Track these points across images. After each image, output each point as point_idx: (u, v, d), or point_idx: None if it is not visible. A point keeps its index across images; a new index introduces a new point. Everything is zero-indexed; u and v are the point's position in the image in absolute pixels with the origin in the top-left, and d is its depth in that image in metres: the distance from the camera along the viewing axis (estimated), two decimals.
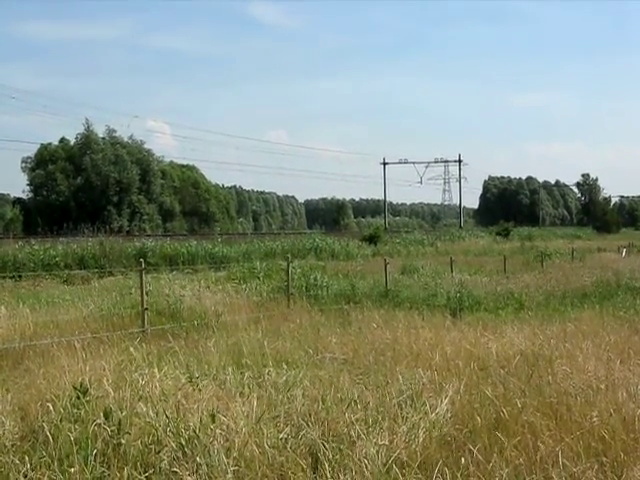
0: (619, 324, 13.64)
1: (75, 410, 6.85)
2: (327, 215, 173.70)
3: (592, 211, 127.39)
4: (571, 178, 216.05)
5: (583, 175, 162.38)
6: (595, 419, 6.76)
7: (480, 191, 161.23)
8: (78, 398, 6.97)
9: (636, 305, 17.24)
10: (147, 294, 15.11)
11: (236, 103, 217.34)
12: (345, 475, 5.92)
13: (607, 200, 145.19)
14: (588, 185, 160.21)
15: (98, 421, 6.47)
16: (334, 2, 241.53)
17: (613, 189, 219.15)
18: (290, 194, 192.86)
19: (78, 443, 6.23)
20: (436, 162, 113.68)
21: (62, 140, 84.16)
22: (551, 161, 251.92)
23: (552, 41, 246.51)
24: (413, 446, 6.38)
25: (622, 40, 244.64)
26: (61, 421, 6.67)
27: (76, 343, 11.41)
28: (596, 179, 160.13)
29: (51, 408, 7.03)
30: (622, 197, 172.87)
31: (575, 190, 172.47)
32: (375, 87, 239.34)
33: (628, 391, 7.67)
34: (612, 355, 9.68)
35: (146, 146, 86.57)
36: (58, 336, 12.49)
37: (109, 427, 6.37)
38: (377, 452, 6.16)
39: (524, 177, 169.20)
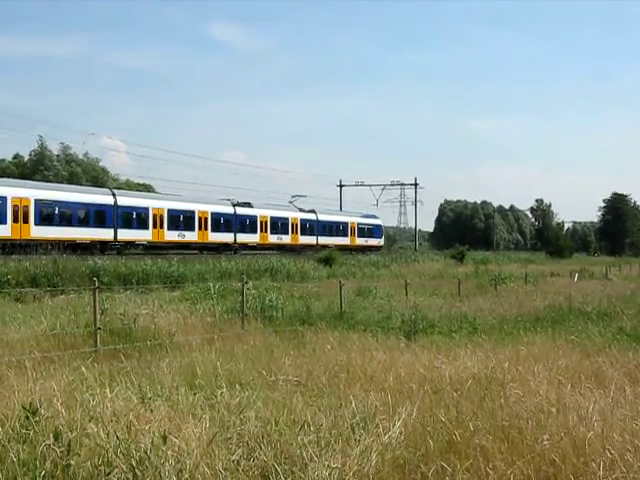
0: (570, 348, 13.78)
1: (24, 431, 6.74)
2: None
3: (545, 236, 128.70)
4: (525, 203, 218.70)
5: (537, 200, 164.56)
6: (546, 442, 6.79)
7: (436, 214, 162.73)
8: (27, 418, 6.87)
9: (587, 329, 17.43)
10: (102, 313, 14.96)
11: (193, 123, 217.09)
12: None
13: (560, 225, 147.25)
14: (542, 210, 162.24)
15: (47, 442, 6.36)
16: (293, 25, 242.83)
17: (566, 215, 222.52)
18: None
19: (26, 464, 6.13)
20: (392, 185, 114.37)
21: (16, 156, 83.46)
22: (506, 186, 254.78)
23: (505, 67, 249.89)
24: (366, 469, 6.37)
25: (573, 68, 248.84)
26: (9, 442, 6.55)
27: (26, 362, 11.25)
28: (549, 205, 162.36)
29: None
30: (575, 223, 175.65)
31: (529, 215, 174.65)
32: (332, 109, 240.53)
33: (579, 415, 7.73)
34: (563, 379, 9.76)
35: (101, 164, 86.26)
36: (8, 355, 12.30)
37: (58, 448, 6.27)
38: (329, 475, 6.14)
39: (479, 201, 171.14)
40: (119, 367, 11.07)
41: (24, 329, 15.69)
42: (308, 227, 77.49)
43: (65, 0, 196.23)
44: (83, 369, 10.22)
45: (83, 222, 51.96)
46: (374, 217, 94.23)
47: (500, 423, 7.47)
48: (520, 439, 7.02)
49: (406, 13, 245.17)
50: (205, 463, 6.22)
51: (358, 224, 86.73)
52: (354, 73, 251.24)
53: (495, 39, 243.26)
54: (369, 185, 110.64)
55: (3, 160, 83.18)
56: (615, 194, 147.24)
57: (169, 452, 6.33)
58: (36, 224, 47.63)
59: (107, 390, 8.53)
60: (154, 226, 57.18)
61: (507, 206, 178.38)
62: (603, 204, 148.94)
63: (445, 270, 54.63)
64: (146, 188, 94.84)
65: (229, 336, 15.61)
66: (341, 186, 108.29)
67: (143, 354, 12.86)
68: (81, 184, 77.53)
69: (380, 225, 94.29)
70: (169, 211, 59.12)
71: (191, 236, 61.47)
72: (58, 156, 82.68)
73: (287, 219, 75.13)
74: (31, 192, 48.29)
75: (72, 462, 6.17)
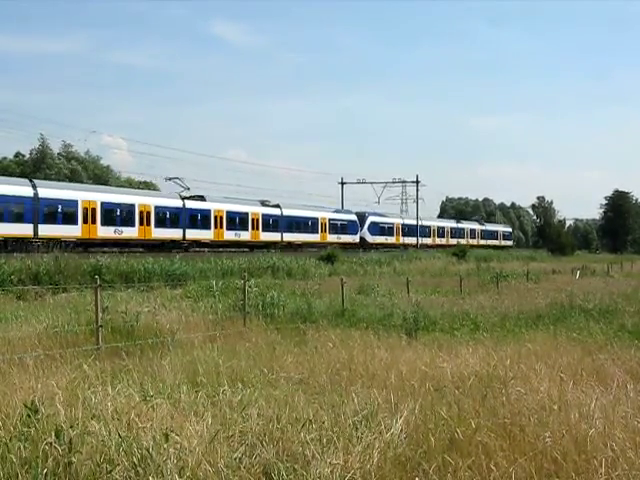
0: (572, 345, 13.78)
1: (25, 429, 6.73)
2: None
3: (547, 233, 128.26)
4: (527, 200, 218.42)
5: (538, 198, 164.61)
6: (548, 440, 6.79)
7: (437, 212, 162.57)
8: (29, 416, 6.87)
9: (589, 327, 17.43)
10: (104, 311, 14.97)
11: (195, 120, 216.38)
12: None
13: (562, 223, 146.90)
14: (543, 207, 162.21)
15: (49, 440, 6.36)
16: (295, 22, 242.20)
17: (568, 212, 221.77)
18: None
19: (28, 462, 6.14)
20: (394, 182, 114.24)
21: (17, 155, 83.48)
22: (507, 183, 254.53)
23: (506, 65, 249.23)
24: (368, 466, 6.37)
25: (574, 65, 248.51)
26: (11, 440, 6.55)
27: (28, 360, 11.26)
28: (551, 202, 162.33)
29: (0, 426, 6.92)
30: (577, 220, 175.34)
31: (530, 212, 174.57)
32: (334, 107, 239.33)
33: (580, 412, 7.73)
34: (565, 376, 9.75)
35: (103, 162, 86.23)
36: (10, 353, 12.30)
37: (60, 446, 6.27)
38: (331, 472, 6.14)
39: (481, 199, 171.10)
40: (121, 365, 11.09)
41: (26, 327, 15.69)
42: (479, 234, 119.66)
43: None
44: (85, 367, 10.22)
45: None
46: (508, 227, 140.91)
47: (502, 420, 7.48)
48: (522, 436, 7.03)
49: (407, 11, 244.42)
50: (207, 461, 6.22)
51: (503, 232, 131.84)
52: (355, 71, 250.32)
53: (496, 37, 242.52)
54: (371, 183, 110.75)
55: (5, 158, 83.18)
56: (617, 191, 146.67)
57: (171, 450, 6.33)
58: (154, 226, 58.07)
59: (109, 388, 8.54)
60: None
61: (508, 203, 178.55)
62: (605, 201, 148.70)
63: (446, 268, 54.63)
64: (147, 186, 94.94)
65: (231, 334, 15.62)
66: (342, 184, 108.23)
67: (145, 352, 12.86)
68: (82, 182, 77.60)
69: (511, 232, 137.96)
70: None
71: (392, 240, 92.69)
72: (60, 154, 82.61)
73: (475, 230, 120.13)
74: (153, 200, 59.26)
75: (74, 460, 6.17)
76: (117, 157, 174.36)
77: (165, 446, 6.36)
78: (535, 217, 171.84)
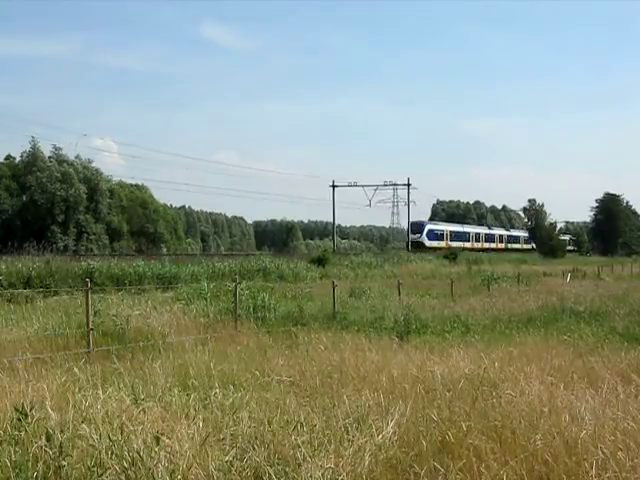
0: (563, 348, 13.80)
1: (16, 432, 6.72)
2: (276, 236, 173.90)
3: (538, 236, 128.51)
4: (518, 203, 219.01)
5: (529, 200, 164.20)
6: (539, 442, 6.80)
7: (428, 214, 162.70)
8: (19, 420, 6.85)
9: (580, 329, 17.46)
10: (95, 314, 14.93)
11: (186, 123, 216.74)
12: None
13: (553, 225, 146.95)
14: (534, 210, 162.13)
15: (39, 444, 6.35)
16: (286, 25, 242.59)
17: (559, 215, 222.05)
18: (239, 215, 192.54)
19: (18, 466, 6.12)
20: (385, 185, 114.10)
21: (8, 157, 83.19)
22: (499, 186, 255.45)
23: (499, 67, 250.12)
24: (359, 469, 6.37)
25: (567, 68, 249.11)
26: (1, 444, 6.53)
27: (18, 364, 11.22)
28: (542, 204, 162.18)
29: None
30: (567, 222, 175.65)
31: (522, 215, 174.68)
32: (326, 110, 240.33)
33: (571, 414, 7.74)
34: (555, 379, 9.78)
35: (93, 165, 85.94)
36: None
37: (51, 450, 6.26)
38: (323, 475, 6.14)
39: (472, 201, 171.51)
40: (112, 368, 11.06)
41: (16, 330, 15.64)
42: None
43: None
44: (75, 370, 10.18)
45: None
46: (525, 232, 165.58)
47: (493, 423, 7.48)
48: (513, 439, 7.03)
49: (401, 13, 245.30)
50: (198, 464, 6.21)
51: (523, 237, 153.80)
52: (347, 73, 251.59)
53: (489, 39, 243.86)
54: (362, 186, 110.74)
55: None
56: (607, 194, 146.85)
57: (162, 453, 6.31)
58: (451, 240, 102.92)
59: (99, 391, 8.51)
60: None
61: (500, 206, 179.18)
62: (595, 204, 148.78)
63: (438, 270, 54.64)
64: (139, 189, 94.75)
65: (222, 337, 15.60)
66: (334, 186, 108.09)
67: (136, 355, 12.84)
68: (73, 185, 77.39)
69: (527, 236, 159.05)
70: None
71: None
72: (50, 158, 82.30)
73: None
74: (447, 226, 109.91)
75: (64, 463, 6.16)
76: (108, 160, 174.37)
77: (156, 449, 6.34)
78: (526, 220, 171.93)
